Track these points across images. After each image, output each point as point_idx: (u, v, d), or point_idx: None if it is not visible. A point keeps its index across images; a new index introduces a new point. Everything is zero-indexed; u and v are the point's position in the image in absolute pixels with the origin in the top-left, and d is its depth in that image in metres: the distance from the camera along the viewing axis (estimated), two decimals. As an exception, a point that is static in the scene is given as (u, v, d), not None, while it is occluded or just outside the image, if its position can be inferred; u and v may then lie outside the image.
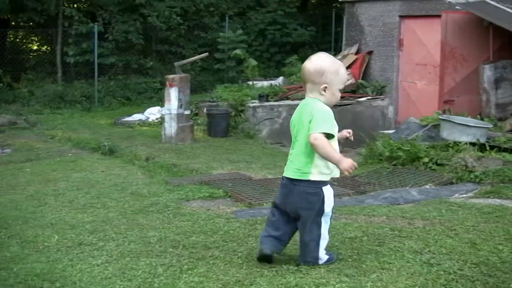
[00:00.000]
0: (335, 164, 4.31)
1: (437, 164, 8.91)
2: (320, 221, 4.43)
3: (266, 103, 14.22)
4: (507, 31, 11.07)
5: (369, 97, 14.84)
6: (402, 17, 15.04)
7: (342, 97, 14.48)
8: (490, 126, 10.30)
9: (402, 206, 6.61)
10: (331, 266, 4.41)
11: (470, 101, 11.91)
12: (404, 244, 4.89)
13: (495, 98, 11.44)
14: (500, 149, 9.25)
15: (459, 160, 8.51)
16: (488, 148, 9.28)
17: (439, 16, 12.54)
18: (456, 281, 4.11)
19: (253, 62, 18.11)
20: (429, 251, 4.74)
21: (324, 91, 4.40)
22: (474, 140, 9.48)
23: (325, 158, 4.32)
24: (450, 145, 9.43)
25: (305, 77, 4.49)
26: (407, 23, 14.94)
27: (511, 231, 5.24)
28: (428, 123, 10.52)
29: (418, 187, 7.87)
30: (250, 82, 16.72)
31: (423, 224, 5.59)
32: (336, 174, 4.45)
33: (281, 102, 14.37)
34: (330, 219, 4.53)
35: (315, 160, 4.38)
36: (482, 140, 9.57)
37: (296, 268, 4.40)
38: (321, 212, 4.41)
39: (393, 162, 9.32)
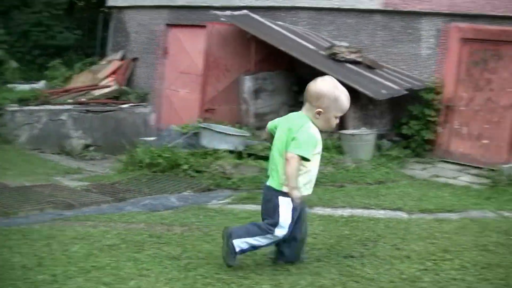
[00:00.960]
0: (288, 188, 4.29)
1: (197, 171, 9.09)
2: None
3: (26, 108, 13.70)
4: (269, 44, 11.54)
5: (132, 104, 14.79)
6: (169, 25, 15.19)
7: (104, 103, 14.45)
8: (248, 134, 10.70)
9: (161, 213, 6.65)
10: (90, 275, 4.32)
11: (231, 110, 12.27)
12: (163, 250, 4.91)
13: (254, 108, 11.88)
14: (257, 157, 9.63)
15: (217, 167, 8.74)
16: (245, 156, 9.63)
17: (205, 26, 12.80)
18: (213, 285, 4.19)
19: (14, 64, 17.42)
20: (187, 256, 4.79)
21: (318, 114, 4.35)
22: (232, 148, 9.80)
23: (287, 179, 4.28)
24: (210, 152, 9.66)
25: (306, 96, 4.43)
26: (174, 32, 15.12)
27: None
28: (189, 130, 10.69)
29: (177, 193, 7.97)
30: (10, 85, 16.03)
31: (182, 230, 5.66)
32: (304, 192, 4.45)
33: (41, 107, 13.91)
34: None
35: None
36: (240, 148, 9.91)
37: (52, 278, 4.25)
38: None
39: (154, 169, 9.37)
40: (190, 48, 14.53)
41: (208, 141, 10.05)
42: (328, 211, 6.80)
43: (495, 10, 11.02)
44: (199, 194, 8.01)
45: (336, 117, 4.42)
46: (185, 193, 8.08)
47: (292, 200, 4.31)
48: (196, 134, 10.45)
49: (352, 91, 10.93)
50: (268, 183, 4.49)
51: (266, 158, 9.52)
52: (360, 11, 12.58)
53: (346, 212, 6.76)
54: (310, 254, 4.87)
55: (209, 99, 12.55)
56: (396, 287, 4.19)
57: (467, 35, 11.35)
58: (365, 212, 6.76)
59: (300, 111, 4.49)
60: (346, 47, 11.76)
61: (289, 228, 4.43)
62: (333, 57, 11.52)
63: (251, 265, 4.58)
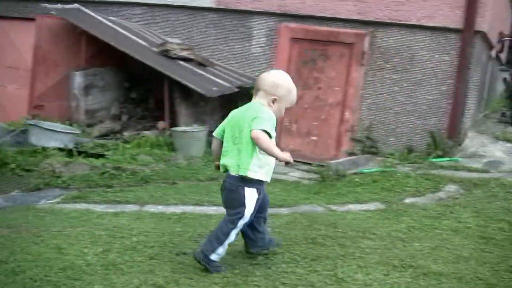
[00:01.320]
0: (275, 156, 4.39)
1: (25, 170, 8.79)
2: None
3: None
4: (100, 40, 11.34)
5: (-45, 100, 14.09)
6: (-3, 17, 14.59)
7: None
8: (79, 132, 10.50)
9: (-15, 215, 6.38)
10: None
11: (61, 106, 11.96)
12: (-13, 255, 4.71)
13: (85, 104, 11.64)
14: (88, 155, 9.46)
15: (46, 165, 8.50)
16: (76, 153, 9.43)
17: (34, 19, 12.40)
18: (39, 288, 4.07)
19: None
20: (14, 259, 4.61)
21: (273, 102, 4.52)
22: (62, 146, 9.57)
23: (267, 151, 4.35)
24: (39, 150, 9.39)
25: (260, 85, 4.62)
26: (1, 25, 14.52)
27: (96, 234, 5.35)
28: (17, 128, 10.34)
29: (4, 194, 7.67)
30: None
31: (9, 232, 5.44)
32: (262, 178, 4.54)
33: None
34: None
35: (253, 159, 4.45)
36: (71, 146, 9.71)
37: None
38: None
39: (-18, 169, 8.98)
40: (18, 42, 14.02)
41: (37, 139, 9.76)
42: (160, 208, 6.78)
43: (325, 12, 11.42)
44: (27, 194, 7.74)
45: (285, 108, 4.63)
46: (12, 193, 7.79)
47: (282, 161, 4.45)
48: (24, 132, 10.12)
49: (183, 89, 11.03)
50: (233, 173, 4.51)
51: (97, 156, 9.41)
52: (193, 9, 12.64)
53: (178, 209, 6.77)
54: (143, 252, 4.84)
55: (38, 95, 12.17)
56: (228, 282, 4.25)
57: (297, 35, 11.69)
58: (197, 209, 6.80)
59: (251, 102, 4.66)
60: (178, 44, 11.79)
61: (250, 217, 4.52)
62: (165, 54, 11.51)
63: (83, 266, 4.49)
